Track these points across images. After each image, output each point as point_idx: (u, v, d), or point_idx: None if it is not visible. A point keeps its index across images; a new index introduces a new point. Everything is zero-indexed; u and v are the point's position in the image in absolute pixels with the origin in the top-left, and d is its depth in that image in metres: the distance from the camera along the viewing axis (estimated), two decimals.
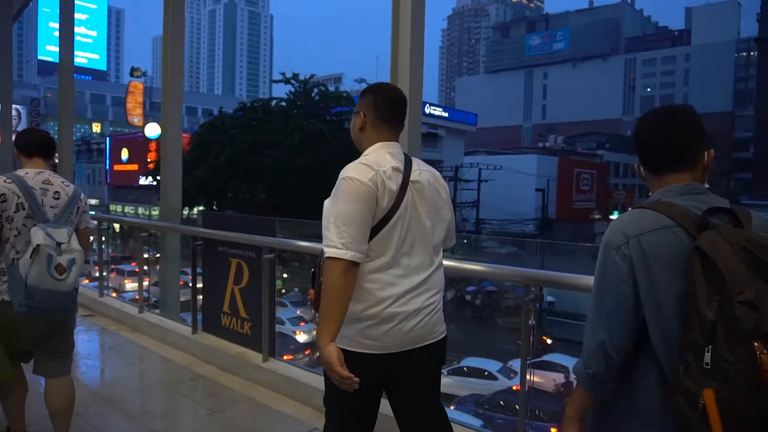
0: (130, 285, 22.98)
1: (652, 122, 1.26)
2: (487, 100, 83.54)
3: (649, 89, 79.56)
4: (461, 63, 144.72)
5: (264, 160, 22.76)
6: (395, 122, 1.72)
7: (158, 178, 30.33)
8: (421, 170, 1.69)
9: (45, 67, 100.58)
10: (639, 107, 78.95)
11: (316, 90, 24.99)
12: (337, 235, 1.50)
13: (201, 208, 27.31)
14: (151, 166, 33.88)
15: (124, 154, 42.43)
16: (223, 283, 3.25)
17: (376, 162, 1.61)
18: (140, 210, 38.04)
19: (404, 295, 1.60)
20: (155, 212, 36.16)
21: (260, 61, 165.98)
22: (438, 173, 1.78)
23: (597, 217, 45.80)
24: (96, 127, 58.35)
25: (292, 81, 24.93)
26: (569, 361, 15.41)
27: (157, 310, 4.24)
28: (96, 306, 4.56)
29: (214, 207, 25.91)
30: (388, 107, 1.70)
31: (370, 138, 1.70)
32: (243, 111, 25.91)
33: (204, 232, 3.40)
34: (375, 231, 1.57)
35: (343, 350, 1.51)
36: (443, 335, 1.73)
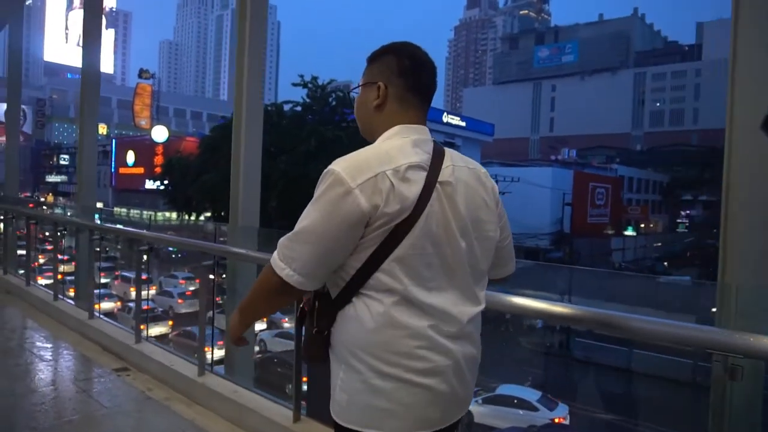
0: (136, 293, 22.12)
1: None
2: (494, 111, 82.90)
3: (658, 104, 79.13)
4: (468, 74, 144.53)
5: (277, 166, 21.91)
6: (425, 96, 1.28)
7: (165, 182, 29.95)
8: (455, 166, 1.21)
9: (51, 68, 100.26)
10: (648, 122, 78.53)
11: (333, 95, 24.27)
12: (288, 243, 1.16)
13: (208, 214, 26.71)
14: (158, 170, 33.11)
15: (130, 157, 41.44)
16: None
17: (387, 155, 1.16)
18: (145, 213, 37.08)
19: (442, 344, 1.15)
20: (160, 216, 35.24)
21: (267, 66, 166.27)
22: (484, 171, 1.30)
23: (611, 232, 45.10)
24: (102, 129, 57.55)
25: (310, 84, 24.17)
26: (526, 393, 13.84)
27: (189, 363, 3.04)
28: (131, 356, 3.35)
29: (222, 213, 25.28)
30: (417, 73, 1.26)
31: (391, 118, 1.25)
32: None
33: None
34: (383, 253, 1.13)
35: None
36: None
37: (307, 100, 24.21)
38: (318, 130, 22.08)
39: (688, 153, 65.18)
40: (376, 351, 1.14)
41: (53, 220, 4.79)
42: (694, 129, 73.16)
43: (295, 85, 24.26)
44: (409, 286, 1.14)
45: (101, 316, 4.14)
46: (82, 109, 4.89)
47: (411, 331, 1.14)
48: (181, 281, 25.11)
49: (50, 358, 3.51)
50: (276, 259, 1.17)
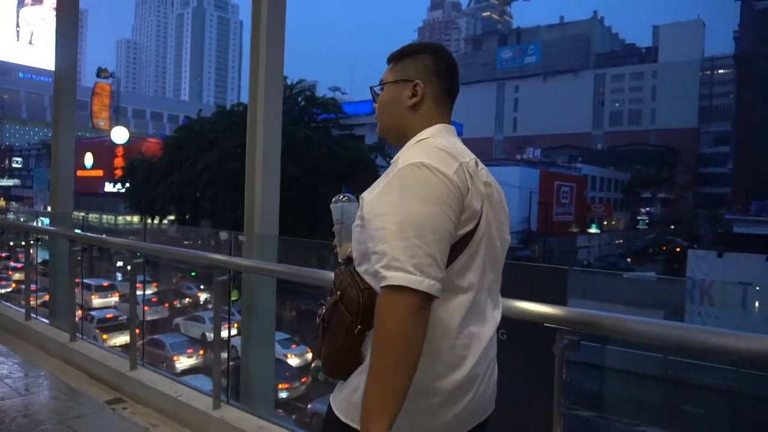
0: (98, 301, 21.16)
1: None
2: (458, 111, 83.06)
3: (617, 104, 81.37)
4: None
5: (246, 167, 21.39)
6: (454, 101, 1.26)
7: (127, 184, 28.97)
8: (487, 170, 1.18)
9: (1, 67, 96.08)
10: (608, 122, 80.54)
11: (302, 95, 23.94)
12: (405, 250, 1.00)
13: (172, 217, 26.02)
14: (118, 172, 31.98)
15: (89, 159, 39.88)
16: None
17: (454, 149, 1.12)
18: (105, 217, 35.75)
19: (485, 350, 1.12)
20: (121, 220, 34.02)
21: (229, 67, 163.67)
22: None
23: (575, 230, 45.95)
24: None
25: None
26: None
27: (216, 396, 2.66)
28: (127, 385, 2.92)
29: (187, 216, 24.61)
30: (452, 77, 1.24)
31: (427, 119, 1.20)
32: (222, 115, 24.54)
33: None
34: (457, 252, 1.07)
35: None
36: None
37: None
38: (288, 130, 21.65)
39: (646, 152, 67.11)
40: (438, 356, 1.07)
41: (27, 230, 4.29)
42: (651, 129, 75.47)
43: None
44: (474, 282, 1.11)
45: (84, 337, 3.68)
46: (57, 111, 4.46)
47: (462, 336, 1.09)
48: (138, 285, 24.20)
49: (29, 390, 3.05)
50: (402, 276, 0.98)
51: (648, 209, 63.07)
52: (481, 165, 1.20)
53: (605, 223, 53.44)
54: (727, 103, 67.07)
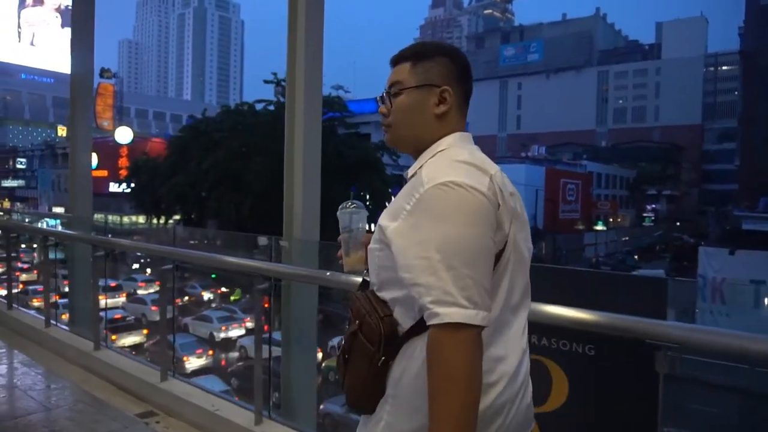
0: (108, 301, 21.12)
1: None
2: None
3: (621, 101, 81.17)
4: None
5: (252, 167, 21.28)
6: (468, 104, 1.17)
7: (132, 184, 28.91)
8: (508, 179, 1.09)
9: (3, 69, 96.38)
10: (612, 119, 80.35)
11: None
12: (454, 282, 0.94)
13: (177, 217, 26.00)
14: (123, 172, 31.98)
15: (93, 159, 39.88)
16: None
17: (481, 160, 1.05)
18: (110, 217, 35.73)
19: (516, 372, 1.04)
20: (126, 219, 33.98)
21: (230, 66, 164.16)
22: None
23: (581, 227, 45.77)
24: (61, 131, 55.21)
25: (284, 82, 23.54)
26: None
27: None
28: (158, 397, 2.76)
29: (192, 216, 24.56)
30: (470, 80, 1.16)
31: (449, 128, 1.11)
32: (227, 114, 24.44)
33: None
34: None
35: None
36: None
37: (281, 99, 23.60)
38: None
39: (650, 149, 66.87)
40: None
41: (47, 234, 4.14)
42: (655, 125, 75.23)
43: (267, 82, 23.59)
44: (500, 304, 1.02)
45: (107, 346, 3.53)
46: (73, 113, 4.41)
47: (486, 361, 0.97)
48: (140, 284, 24.25)
49: (53, 403, 2.90)
50: (457, 312, 0.92)
51: (654, 206, 62.89)
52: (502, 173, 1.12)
53: (611, 220, 53.30)
54: (731, 100, 66.87)
